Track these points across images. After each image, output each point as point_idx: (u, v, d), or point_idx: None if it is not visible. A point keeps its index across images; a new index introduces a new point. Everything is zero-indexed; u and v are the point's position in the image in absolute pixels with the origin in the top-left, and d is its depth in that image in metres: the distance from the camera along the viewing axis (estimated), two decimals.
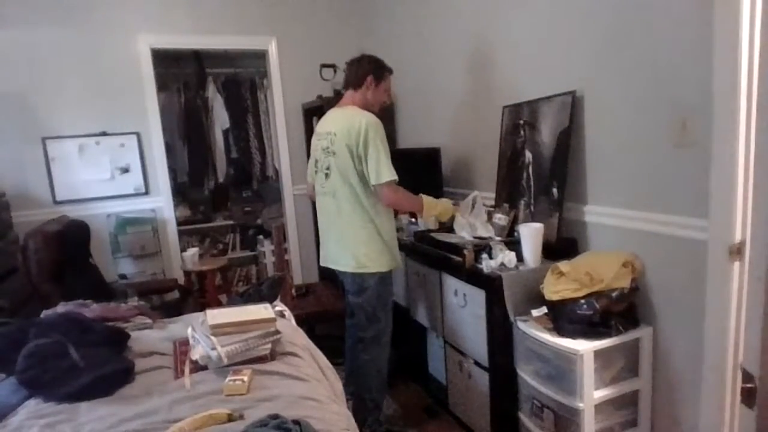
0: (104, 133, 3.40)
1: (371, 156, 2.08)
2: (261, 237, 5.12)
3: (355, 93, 2.27)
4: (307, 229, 4.05)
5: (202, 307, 2.18)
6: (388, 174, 2.10)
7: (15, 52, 3.15)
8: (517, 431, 2.05)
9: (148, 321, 2.05)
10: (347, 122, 2.14)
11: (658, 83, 1.71)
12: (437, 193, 2.64)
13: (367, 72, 2.25)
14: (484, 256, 2.05)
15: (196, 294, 3.62)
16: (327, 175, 2.23)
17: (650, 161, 1.77)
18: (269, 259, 4.98)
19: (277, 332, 1.68)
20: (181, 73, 4.81)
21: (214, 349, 1.55)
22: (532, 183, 2.24)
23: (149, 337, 1.90)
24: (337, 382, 1.79)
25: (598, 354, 1.72)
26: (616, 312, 1.75)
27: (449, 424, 2.46)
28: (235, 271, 5.18)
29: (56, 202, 3.32)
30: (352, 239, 2.20)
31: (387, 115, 3.44)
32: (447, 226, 2.49)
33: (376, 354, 2.31)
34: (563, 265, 1.85)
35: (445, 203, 2.41)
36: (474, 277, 2.07)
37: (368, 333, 2.29)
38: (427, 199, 2.34)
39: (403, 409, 2.63)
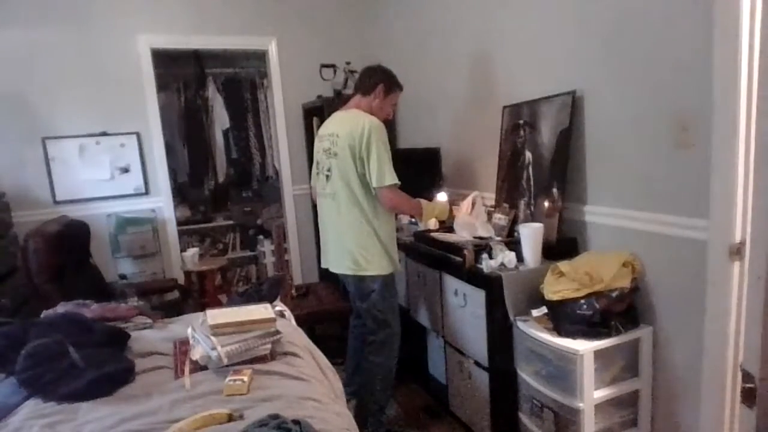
0: (104, 133, 3.39)
1: (373, 158, 2.08)
2: (261, 237, 5.12)
3: (362, 98, 2.28)
4: (307, 229, 4.05)
5: (202, 307, 2.18)
6: (390, 177, 2.10)
7: (15, 52, 3.14)
8: (517, 431, 2.05)
9: (148, 321, 2.04)
10: (351, 124, 2.14)
11: (658, 83, 1.71)
12: (437, 193, 2.64)
13: (380, 80, 2.26)
14: (484, 256, 2.05)
15: (196, 294, 3.62)
16: (328, 177, 2.23)
17: (650, 161, 1.77)
18: (269, 259, 4.98)
19: (277, 332, 1.68)
20: (181, 73, 4.81)
21: (214, 349, 1.55)
22: (532, 183, 2.24)
23: (149, 337, 1.90)
24: (338, 382, 1.79)
25: (598, 354, 1.72)
26: (616, 312, 1.75)
27: (449, 424, 2.46)
28: (235, 271, 5.17)
29: (56, 202, 3.32)
30: (351, 241, 2.20)
31: None
32: (447, 226, 2.49)
33: (387, 357, 2.31)
34: (563, 265, 1.85)
35: (441, 204, 2.41)
36: (474, 277, 2.07)
37: (378, 336, 2.29)
38: (425, 203, 2.34)
39: (403, 410, 2.63)
